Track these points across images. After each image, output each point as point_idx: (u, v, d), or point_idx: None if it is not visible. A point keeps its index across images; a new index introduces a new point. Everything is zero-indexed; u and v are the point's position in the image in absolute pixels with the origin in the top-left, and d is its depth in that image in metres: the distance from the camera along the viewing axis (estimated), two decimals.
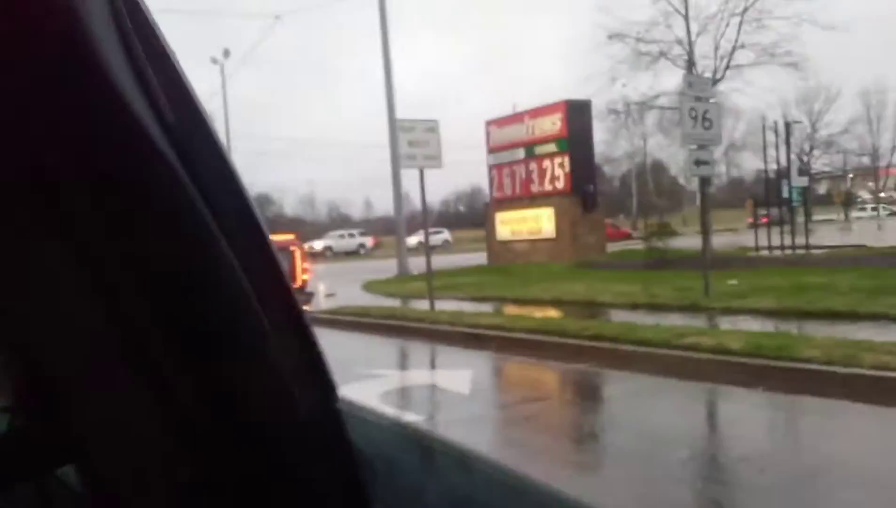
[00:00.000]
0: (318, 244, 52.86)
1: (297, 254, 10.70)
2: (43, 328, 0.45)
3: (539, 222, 24.51)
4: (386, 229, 58.88)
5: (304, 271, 10.89)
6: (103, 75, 0.40)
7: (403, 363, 9.89)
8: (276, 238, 10.84)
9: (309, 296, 11.20)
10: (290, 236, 11.37)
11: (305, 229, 73.75)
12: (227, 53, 36.37)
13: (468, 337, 10.10)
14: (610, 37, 20.16)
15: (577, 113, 23.40)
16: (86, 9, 0.40)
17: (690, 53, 19.76)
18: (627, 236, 21.98)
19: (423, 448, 0.66)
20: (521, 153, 25.13)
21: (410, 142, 12.85)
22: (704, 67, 19.81)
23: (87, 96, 0.41)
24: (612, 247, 26.84)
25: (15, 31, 0.38)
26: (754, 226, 24.24)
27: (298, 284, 10.43)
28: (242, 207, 0.49)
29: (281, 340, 0.49)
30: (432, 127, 12.98)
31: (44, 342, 0.46)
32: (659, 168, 74.58)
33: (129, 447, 0.48)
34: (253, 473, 0.48)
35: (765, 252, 21.29)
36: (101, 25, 0.41)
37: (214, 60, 36.50)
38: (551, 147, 24.09)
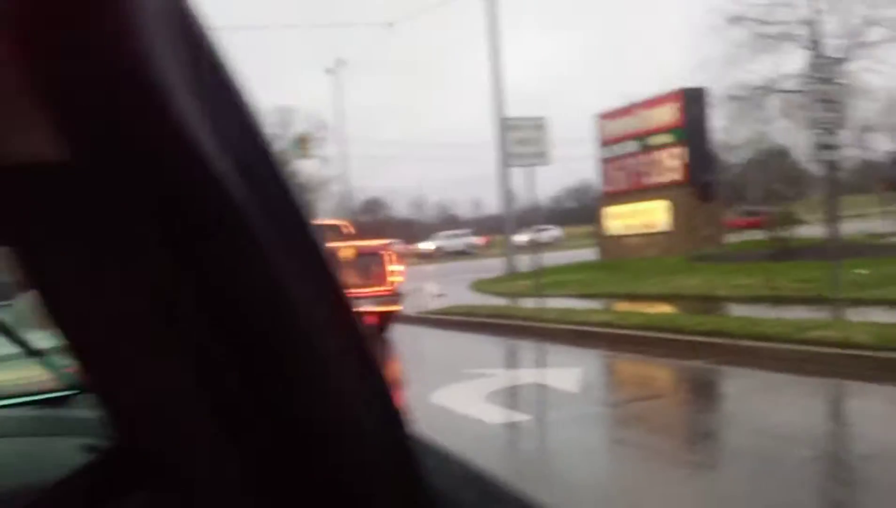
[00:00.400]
0: (428, 245, 53.60)
1: (387, 258, 11.20)
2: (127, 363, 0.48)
3: (653, 216, 23.81)
4: (495, 228, 58.94)
5: (394, 273, 11.26)
6: (169, 113, 0.40)
7: (511, 362, 9.86)
8: (367, 243, 11.23)
9: (398, 298, 11.47)
10: (383, 242, 11.96)
11: (415, 229, 74.97)
12: (340, 63, 37.54)
13: (577, 335, 9.95)
14: (729, 20, 19.23)
15: (694, 101, 22.56)
16: (156, 55, 0.40)
17: (816, 34, 18.59)
18: (758, 225, 20.76)
19: (487, 492, 0.65)
20: (633, 145, 24.50)
21: (518, 140, 12.81)
22: (831, 46, 18.58)
23: (164, 154, 0.41)
24: (739, 238, 25.72)
25: (84, 77, 0.38)
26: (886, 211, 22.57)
27: (388, 287, 11.11)
28: (310, 245, 0.49)
29: (345, 367, 0.49)
30: (539, 124, 12.89)
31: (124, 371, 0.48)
32: (782, 154, 70.91)
33: (199, 472, 0.50)
34: (319, 503, 0.48)
35: None
36: (171, 67, 0.41)
37: (329, 70, 37.74)
38: (666, 138, 23.32)
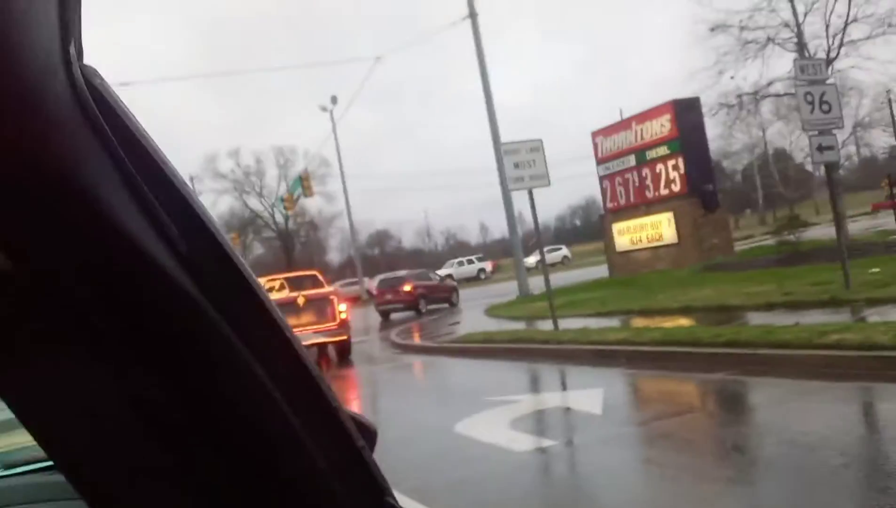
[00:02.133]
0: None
1: (335, 301, 14.77)
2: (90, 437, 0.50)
3: (659, 229, 23.84)
4: (503, 252, 59.01)
5: (341, 312, 14.57)
6: (104, 217, 0.43)
7: (532, 387, 9.85)
8: (317, 291, 14.02)
9: (345, 330, 14.65)
10: (329, 289, 16.12)
11: (424, 259, 75.04)
12: (334, 100, 37.90)
13: (596, 354, 9.95)
14: (712, 29, 19.44)
15: (687, 112, 22.71)
16: (81, 155, 0.42)
17: (800, 35, 18.76)
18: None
19: None
20: (632, 160, 24.62)
21: (516, 164, 12.89)
22: (816, 47, 18.75)
23: (89, 241, 0.44)
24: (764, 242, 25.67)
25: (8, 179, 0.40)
26: (893, 207, 22.55)
27: (336, 322, 14.39)
28: (269, 322, 0.52)
29: (317, 438, 0.52)
30: (536, 147, 12.97)
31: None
32: (783, 157, 70.87)
33: None
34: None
35: None
36: (98, 169, 0.43)
37: (323, 108, 38.11)
38: (663, 150, 23.45)
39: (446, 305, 26.54)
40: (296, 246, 68.43)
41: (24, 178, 0.40)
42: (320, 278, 17.64)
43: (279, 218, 64.71)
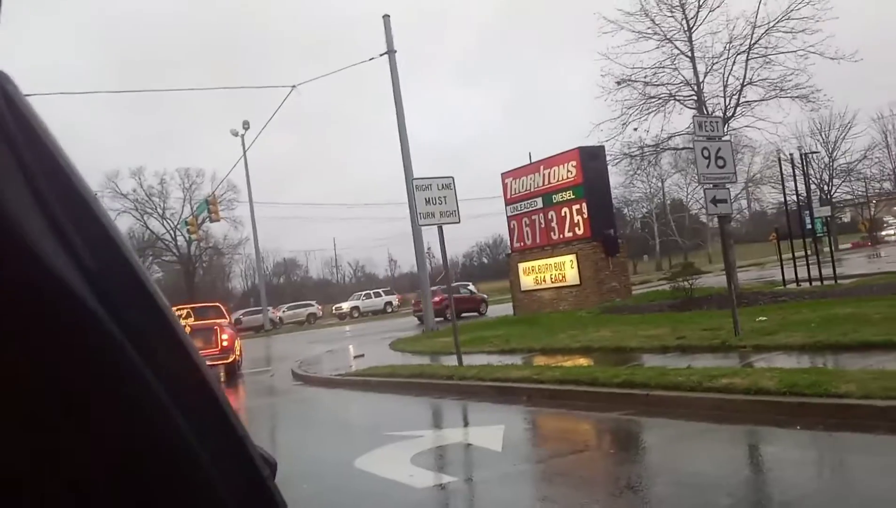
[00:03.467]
0: (345, 305, 53.07)
1: (218, 330, 17.40)
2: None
3: (562, 270, 24.49)
4: (411, 286, 59.04)
5: (224, 340, 17.39)
6: (5, 226, 0.42)
7: (435, 422, 9.82)
8: (200, 322, 16.87)
9: (228, 354, 17.36)
10: (223, 320, 18.63)
11: (331, 290, 74.15)
12: (246, 125, 37.29)
13: (498, 391, 10.03)
14: (619, 83, 20.33)
15: (592, 159, 23.56)
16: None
17: (699, 94, 19.87)
18: None
19: None
20: (539, 202, 25.29)
21: (427, 200, 12.99)
22: (714, 105, 19.89)
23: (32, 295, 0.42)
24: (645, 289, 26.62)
25: None
26: (780, 259, 24.04)
27: (220, 348, 17.17)
28: (175, 344, 0.51)
29: (198, 426, 0.51)
30: (447, 184, 13.12)
31: None
32: (679, 207, 74.49)
33: None
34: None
35: (792, 285, 21.03)
36: (6, 177, 0.43)
37: (235, 133, 37.40)
38: (568, 194, 24.23)
39: (476, 314, 34.67)
40: (198, 271, 66.34)
41: None
42: (223, 309, 20.40)
43: (182, 242, 62.66)
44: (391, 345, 19.85)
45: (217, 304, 21.03)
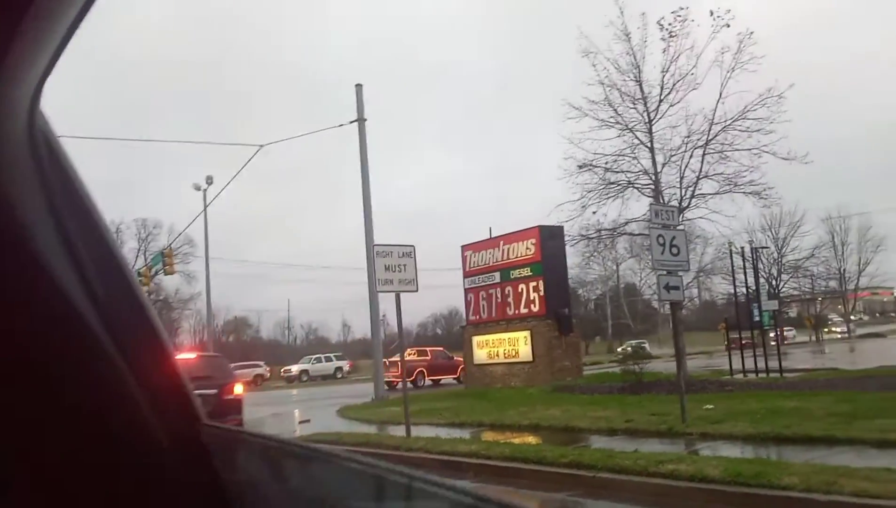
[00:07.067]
0: (294, 368, 52.07)
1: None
2: None
3: (516, 345, 24.56)
4: (363, 353, 58.33)
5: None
6: (30, 255, 0.47)
7: None
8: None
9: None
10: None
11: (281, 351, 72.79)
12: (209, 180, 37.10)
13: (445, 464, 9.90)
14: (580, 167, 20.92)
15: (551, 238, 23.98)
16: (15, 191, 0.46)
17: (657, 183, 20.53)
18: None
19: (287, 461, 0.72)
20: (497, 276, 25.52)
21: (387, 266, 13.03)
22: (671, 195, 20.52)
23: (15, 279, 0.47)
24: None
25: None
26: (729, 349, 24.51)
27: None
28: (170, 369, 0.56)
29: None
30: (408, 252, 13.21)
31: None
32: (632, 291, 75.75)
33: None
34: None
35: (739, 376, 21.38)
36: (31, 204, 0.47)
37: (197, 187, 37.16)
38: (526, 271, 24.54)
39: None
40: None
41: None
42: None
43: None
44: (339, 412, 19.50)
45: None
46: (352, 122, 24.66)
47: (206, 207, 36.43)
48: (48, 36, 0.42)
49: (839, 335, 66.51)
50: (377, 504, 0.70)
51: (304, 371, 51.49)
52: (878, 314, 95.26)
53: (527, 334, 24.12)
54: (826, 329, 67.89)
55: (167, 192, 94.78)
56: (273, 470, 0.71)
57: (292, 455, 0.73)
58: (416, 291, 13.27)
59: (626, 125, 20.52)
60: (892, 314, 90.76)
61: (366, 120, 24.63)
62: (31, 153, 0.45)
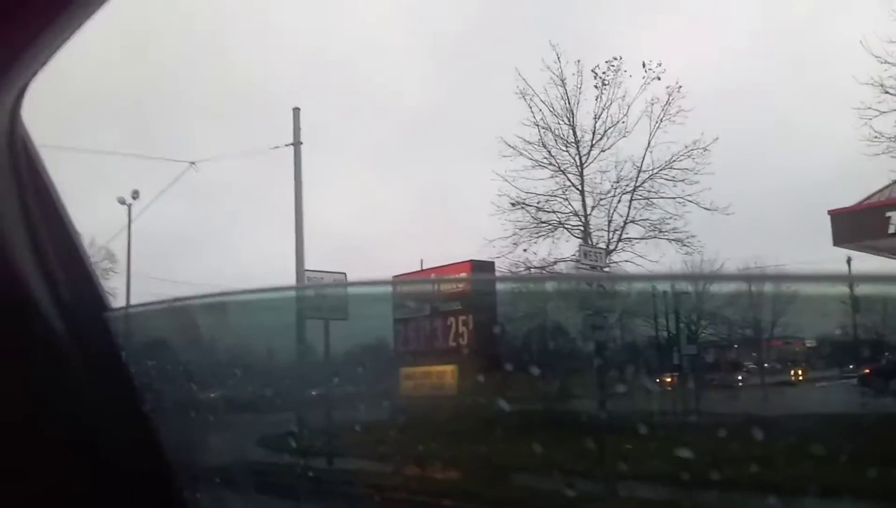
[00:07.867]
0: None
1: None
2: None
3: (442, 379, 24.51)
4: None
5: None
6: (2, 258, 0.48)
7: None
8: None
9: None
10: None
11: None
12: (135, 195, 36.07)
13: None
14: (513, 204, 21.29)
15: (482, 273, 24.17)
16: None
17: (586, 225, 21.06)
18: None
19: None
20: (426, 309, 25.50)
21: (317, 294, 12.88)
22: (599, 237, 21.08)
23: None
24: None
25: None
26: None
27: None
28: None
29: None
30: (339, 279, 13.12)
31: None
32: (559, 330, 76.90)
33: None
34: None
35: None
36: (9, 217, 0.48)
37: (122, 201, 36.05)
38: (455, 305, 24.63)
39: None
40: None
41: None
42: None
43: None
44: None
45: None
46: (287, 145, 24.46)
47: (130, 221, 35.39)
48: (31, 47, 0.42)
49: (740, 384, 68.67)
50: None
51: None
52: (789, 363, 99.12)
53: (454, 367, 24.13)
54: (739, 377, 70.33)
55: (90, 203, 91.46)
56: (177, 331, 0.76)
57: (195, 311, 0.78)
58: (346, 319, 13.13)
59: (559, 167, 21.06)
60: (803, 364, 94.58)
61: (301, 144, 24.49)
62: (11, 160, 0.46)
